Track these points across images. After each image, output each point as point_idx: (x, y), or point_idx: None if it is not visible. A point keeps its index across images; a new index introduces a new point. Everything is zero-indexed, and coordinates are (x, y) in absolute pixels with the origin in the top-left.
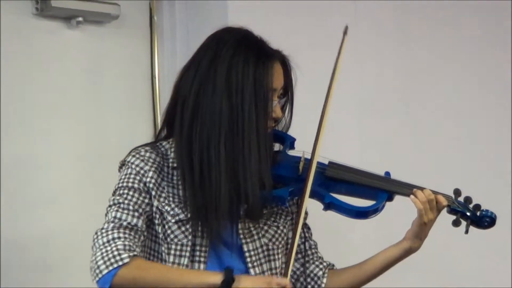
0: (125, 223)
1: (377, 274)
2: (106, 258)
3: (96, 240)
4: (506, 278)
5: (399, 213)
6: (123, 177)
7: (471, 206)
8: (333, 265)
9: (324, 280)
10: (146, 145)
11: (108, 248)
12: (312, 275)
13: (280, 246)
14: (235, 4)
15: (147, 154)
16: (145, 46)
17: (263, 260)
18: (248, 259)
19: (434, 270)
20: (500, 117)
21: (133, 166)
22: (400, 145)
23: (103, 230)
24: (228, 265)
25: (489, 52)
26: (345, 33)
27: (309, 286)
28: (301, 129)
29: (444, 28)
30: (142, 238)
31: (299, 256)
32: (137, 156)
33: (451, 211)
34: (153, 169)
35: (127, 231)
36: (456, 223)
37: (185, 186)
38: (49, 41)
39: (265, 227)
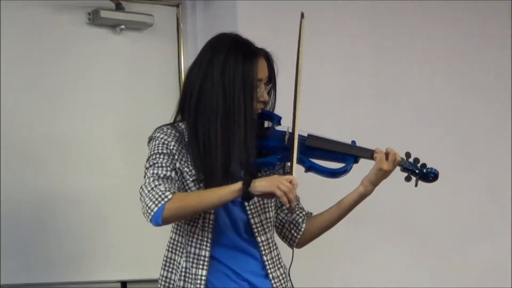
0: (162, 175)
1: (342, 215)
2: (153, 199)
3: (142, 191)
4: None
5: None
6: (152, 147)
7: (419, 165)
8: (311, 213)
9: (304, 226)
10: (167, 124)
11: (153, 192)
12: (294, 222)
13: (273, 200)
14: (244, 15)
15: (169, 130)
16: (173, 47)
17: (260, 212)
18: (249, 212)
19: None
20: (474, 111)
21: (159, 139)
22: (370, 126)
23: (146, 183)
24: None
25: (458, 46)
26: (302, 17)
27: (292, 231)
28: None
29: (417, 22)
30: (176, 185)
31: (284, 207)
32: (161, 132)
33: (404, 169)
34: (174, 140)
35: (164, 180)
36: (408, 179)
37: (193, 156)
38: (99, 44)
39: None
